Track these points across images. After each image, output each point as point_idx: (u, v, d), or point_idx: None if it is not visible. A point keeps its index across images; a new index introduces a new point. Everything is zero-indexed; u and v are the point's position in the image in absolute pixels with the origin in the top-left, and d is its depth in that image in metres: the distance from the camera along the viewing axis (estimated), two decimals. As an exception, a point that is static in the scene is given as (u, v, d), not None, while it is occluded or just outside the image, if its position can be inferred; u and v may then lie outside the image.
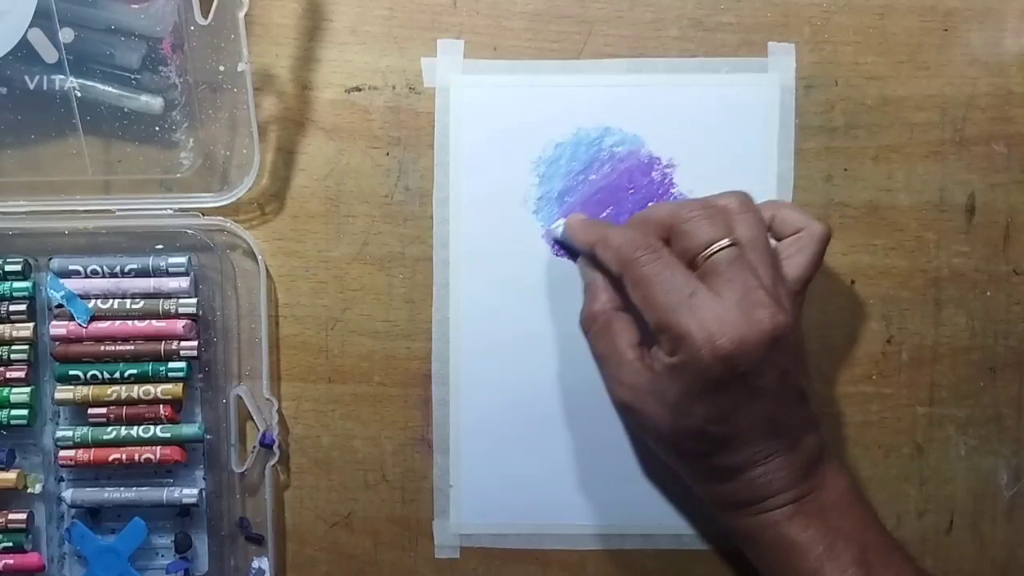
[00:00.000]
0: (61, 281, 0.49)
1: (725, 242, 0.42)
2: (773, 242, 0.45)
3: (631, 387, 0.44)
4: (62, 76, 0.47)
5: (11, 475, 0.49)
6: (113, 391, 0.48)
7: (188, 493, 0.49)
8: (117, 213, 0.49)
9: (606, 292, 0.46)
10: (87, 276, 0.49)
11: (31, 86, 0.47)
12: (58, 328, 0.48)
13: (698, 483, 0.46)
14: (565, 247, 0.49)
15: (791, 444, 0.43)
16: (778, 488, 0.43)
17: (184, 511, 0.50)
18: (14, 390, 0.49)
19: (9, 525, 0.49)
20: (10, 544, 0.49)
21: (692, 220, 0.43)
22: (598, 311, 0.46)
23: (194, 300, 0.49)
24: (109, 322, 0.49)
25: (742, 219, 0.43)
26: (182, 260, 0.49)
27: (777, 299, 0.41)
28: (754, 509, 0.44)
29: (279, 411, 0.50)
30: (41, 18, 0.46)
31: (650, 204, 0.49)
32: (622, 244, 0.44)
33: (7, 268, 0.49)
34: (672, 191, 0.49)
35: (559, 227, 0.48)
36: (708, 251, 0.42)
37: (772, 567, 0.45)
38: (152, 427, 0.49)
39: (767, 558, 0.45)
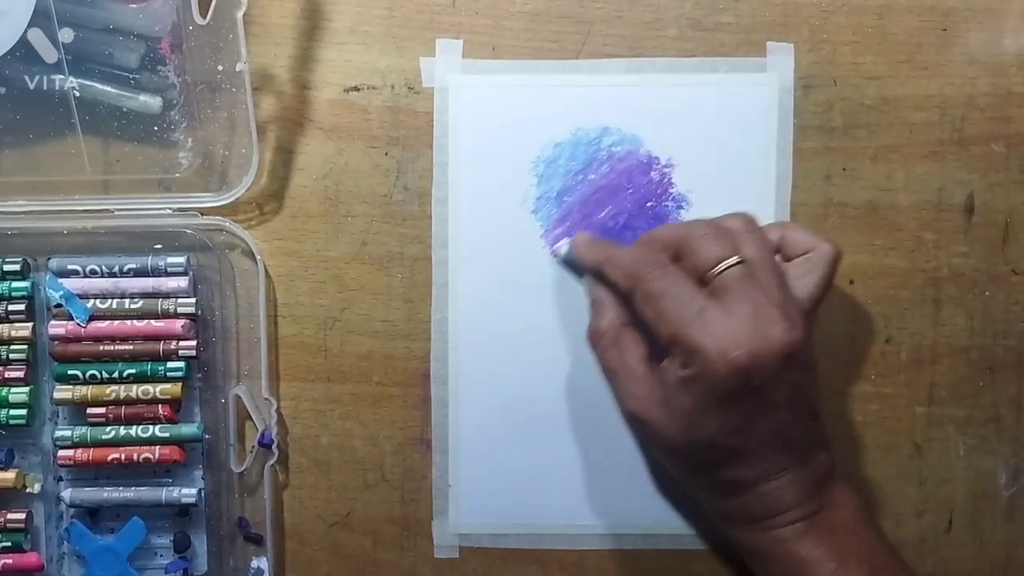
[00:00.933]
0: (60, 281, 0.49)
1: (734, 260, 0.42)
2: (782, 263, 0.45)
3: (642, 399, 0.44)
4: (61, 76, 0.47)
5: (10, 475, 0.49)
6: (112, 391, 0.48)
7: (187, 493, 0.49)
8: (116, 213, 0.49)
9: (614, 308, 0.46)
10: (86, 276, 0.49)
11: (30, 86, 0.47)
12: (57, 328, 0.48)
13: (707, 497, 0.46)
14: (571, 266, 0.49)
15: (802, 460, 0.44)
16: (788, 504, 0.43)
17: (183, 511, 0.50)
18: (13, 390, 0.49)
19: (8, 525, 0.49)
20: (9, 544, 0.49)
21: (701, 239, 0.43)
22: (606, 327, 0.46)
23: (193, 300, 0.49)
24: (108, 322, 0.49)
25: (748, 239, 0.44)
26: (181, 260, 0.49)
27: (789, 316, 0.42)
28: (764, 524, 0.44)
29: (278, 411, 0.50)
30: (40, 18, 0.46)
31: (658, 225, 0.49)
32: (631, 261, 0.44)
33: (6, 268, 0.49)
34: (671, 191, 0.49)
35: (563, 247, 0.49)
36: (717, 268, 0.42)
37: None
38: (151, 427, 0.49)
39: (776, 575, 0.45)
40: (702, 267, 0.43)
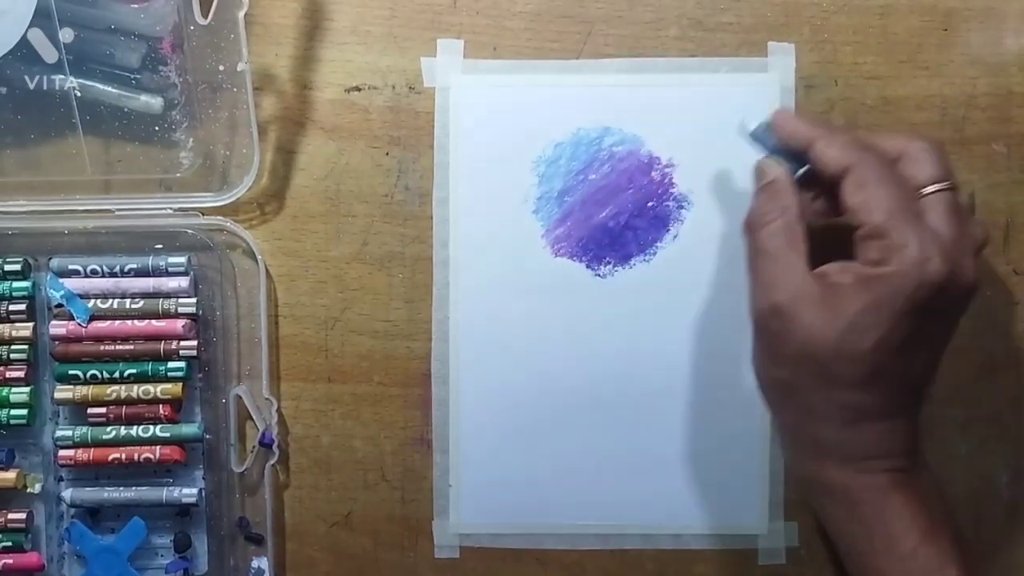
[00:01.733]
0: (61, 281, 0.49)
1: (948, 184, 0.42)
2: None
3: (793, 292, 0.41)
4: (62, 76, 0.47)
5: (11, 475, 0.49)
6: (113, 391, 0.48)
7: (187, 493, 0.49)
8: (117, 213, 0.49)
9: (791, 196, 0.43)
10: (87, 276, 0.49)
11: (31, 86, 0.47)
12: (58, 328, 0.48)
13: (813, 422, 0.43)
14: (759, 140, 0.45)
15: (916, 410, 0.43)
16: (894, 449, 0.42)
17: (183, 511, 0.50)
18: (14, 390, 0.49)
19: (9, 525, 0.49)
20: (9, 544, 0.49)
21: (926, 151, 0.42)
22: (777, 211, 0.43)
23: (194, 300, 0.49)
24: (109, 322, 0.49)
25: (953, 172, 0.43)
26: (182, 260, 0.49)
27: (975, 253, 0.42)
28: (865, 465, 0.42)
29: (278, 411, 0.50)
30: (41, 18, 0.46)
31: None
32: (854, 141, 0.43)
33: (7, 268, 0.49)
34: (672, 191, 0.49)
35: (754, 123, 0.45)
36: (931, 188, 0.42)
37: (864, 534, 0.42)
38: (152, 427, 0.49)
39: (862, 523, 0.42)
40: (919, 179, 0.42)
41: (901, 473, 0.42)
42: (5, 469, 0.49)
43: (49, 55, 0.47)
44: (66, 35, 0.47)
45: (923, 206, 0.41)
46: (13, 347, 0.49)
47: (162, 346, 0.48)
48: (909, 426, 0.42)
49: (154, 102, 0.48)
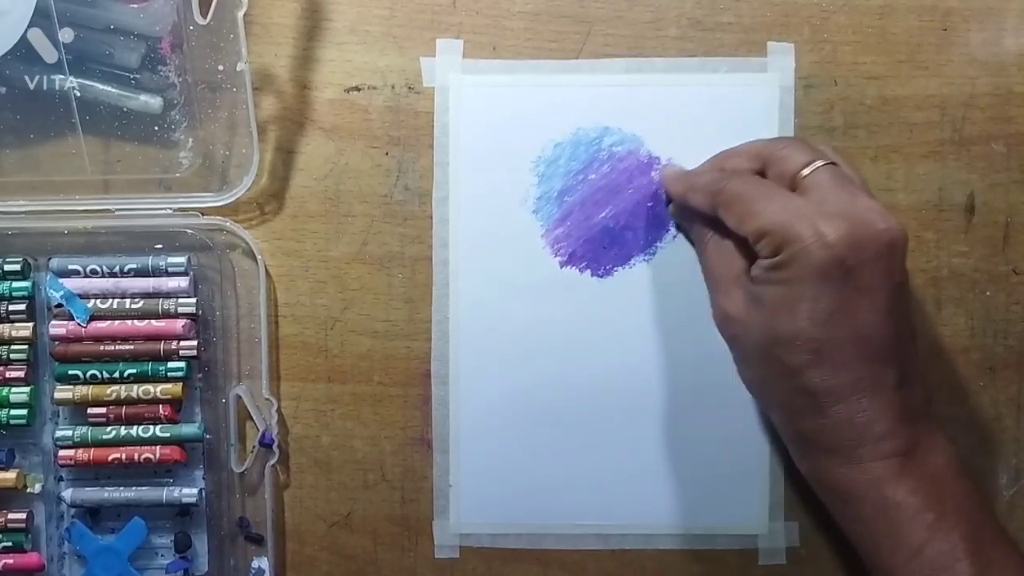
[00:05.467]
0: (60, 281, 0.49)
1: (824, 161, 0.42)
2: None
3: (734, 300, 0.43)
4: (61, 76, 0.47)
5: (11, 475, 0.49)
6: (112, 391, 0.48)
7: (188, 493, 0.49)
8: (116, 213, 0.49)
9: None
10: (86, 276, 0.49)
11: (31, 86, 0.47)
12: (57, 328, 0.48)
13: (792, 420, 0.42)
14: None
15: (895, 382, 0.40)
16: (879, 432, 0.39)
17: (184, 511, 0.50)
18: (13, 390, 0.49)
19: (9, 525, 0.49)
20: (10, 544, 0.49)
21: (787, 147, 0.43)
22: (709, 233, 0.46)
23: (193, 300, 0.49)
24: (108, 322, 0.49)
25: (835, 155, 0.44)
26: (181, 260, 0.49)
27: (887, 210, 0.40)
28: (854, 455, 0.40)
29: (278, 411, 0.50)
30: (41, 18, 0.46)
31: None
32: (708, 180, 0.44)
33: (7, 268, 0.49)
34: (671, 191, 0.49)
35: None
36: (807, 170, 0.41)
37: (869, 533, 0.40)
38: (152, 427, 0.49)
39: (865, 522, 0.40)
40: (790, 171, 0.42)
41: (899, 458, 0.40)
42: (5, 469, 0.49)
43: (49, 55, 0.47)
44: (66, 35, 0.47)
45: (804, 190, 0.41)
46: (13, 347, 0.49)
47: (162, 346, 0.48)
48: (890, 401, 0.40)
49: (153, 102, 0.48)
